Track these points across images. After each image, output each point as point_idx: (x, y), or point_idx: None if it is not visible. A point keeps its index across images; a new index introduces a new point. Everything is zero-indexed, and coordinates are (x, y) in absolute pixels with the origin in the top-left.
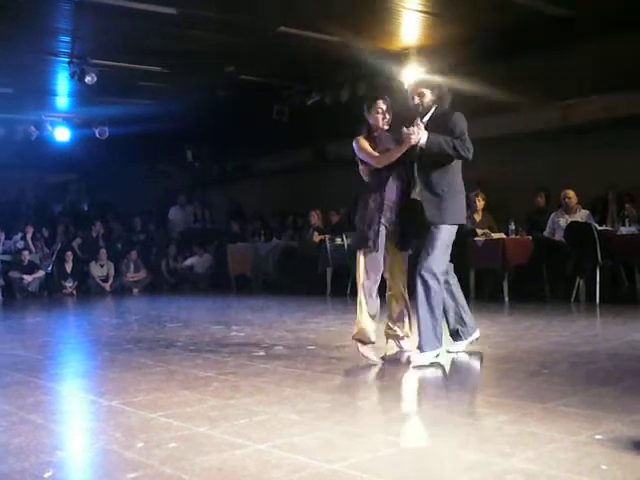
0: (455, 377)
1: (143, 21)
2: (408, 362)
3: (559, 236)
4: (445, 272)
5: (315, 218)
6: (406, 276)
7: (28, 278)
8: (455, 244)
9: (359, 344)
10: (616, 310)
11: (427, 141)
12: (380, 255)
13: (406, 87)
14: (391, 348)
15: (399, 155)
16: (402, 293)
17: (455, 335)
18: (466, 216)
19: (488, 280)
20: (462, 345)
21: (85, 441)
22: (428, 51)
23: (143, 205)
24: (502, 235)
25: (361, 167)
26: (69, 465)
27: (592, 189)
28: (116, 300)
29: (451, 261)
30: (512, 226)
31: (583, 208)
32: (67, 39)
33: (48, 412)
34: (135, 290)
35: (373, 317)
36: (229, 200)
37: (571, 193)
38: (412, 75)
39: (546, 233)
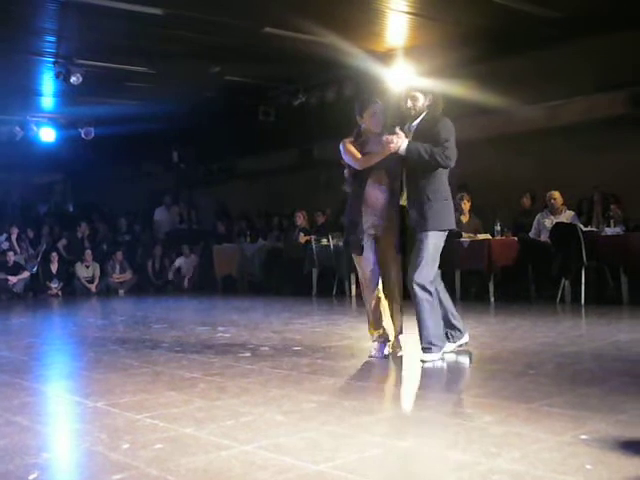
0: (441, 378)
1: (129, 21)
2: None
3: (544, 237)
4: (433, 280)
5: (301, 219)
6: (400, 277)
7: (13, 279)
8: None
9: (379, 344)
10: (601, 311)
11: (406, 149)
12: (368, 254)
13: (400, 89)
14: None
15: (378, 160)
16: (394, 294)
17: (428, 345)
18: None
19: (474, 281)
20: (450, 347)
21: (71, 443)
22: (415, 52)
23: (129, 206)
24: (488, 236)
25: (346, 171)
26: (54, 467)
27: (578, 190)
28: (102, 301)
29: (440, 261)
30: (498, 227)
31: (569, 209)
32: (52, 39)
33: (33, 414)
34: (121, 291)
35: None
36: (215, 201)
37: (556, 194)
38: (399, 76)
39: (531, 234)
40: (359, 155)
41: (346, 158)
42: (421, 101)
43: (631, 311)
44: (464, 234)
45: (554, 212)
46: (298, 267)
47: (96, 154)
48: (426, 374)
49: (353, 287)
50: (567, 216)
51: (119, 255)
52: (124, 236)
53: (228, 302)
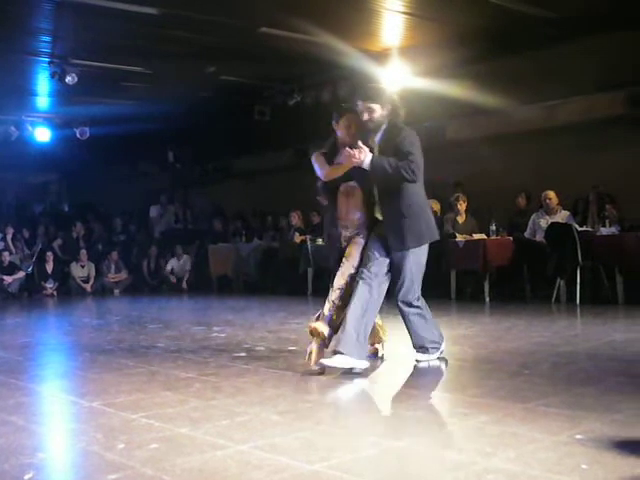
0: (437, 378)
1: (124, 21)
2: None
3: (540, 237)
4: (419, 296)
5: (296, 219)
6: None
7: (8, 279)
8: (436, 245)
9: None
10: (596, 310)
11: (370, 165)
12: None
13: (355, 104)
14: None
15: (341, 173)
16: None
17: (422, 349)
18: (450, 219)
19: (469, 281)
20: (429, 357)
21: (66, 442)
22: (410, 52)
23: (124, 206)
24: (483, 236)
25: (319, 182)
26: (50, 467)
27: (573, 190)
28: (97, 301)
29: (433, 264)
30: (493, 227)
31: (564, 209)
32: (48, 39)
33: (29, 413)
34: (116, 291)
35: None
36: (210, 201)
37: (551, 194)
38: (394, 76)
39: (527, 234)
40: (326, 165)
41: (315, 168)
42: (378, 112)
43: (626, 311)
44: (459, 235)
45: (549, 212)
46: (293, 267)
47: (91, 154)
48: (421, 374)
49: None
50: (562, 216)
51: (114, 255)
52: (119, 236)
53: (223, 302)
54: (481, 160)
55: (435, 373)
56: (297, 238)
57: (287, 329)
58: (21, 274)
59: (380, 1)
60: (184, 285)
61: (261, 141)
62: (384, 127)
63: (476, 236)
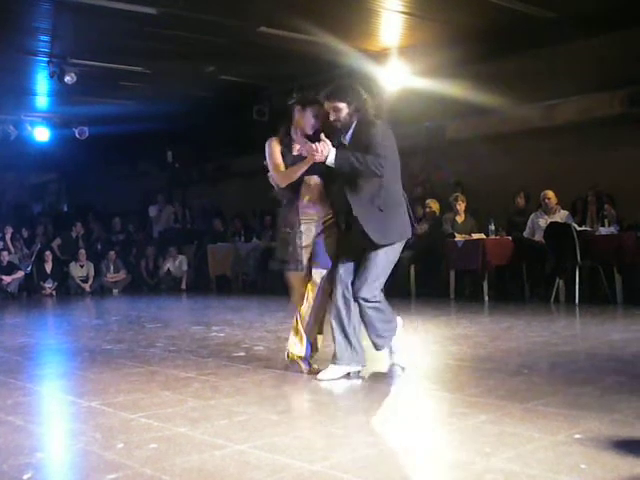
0: (435, 378)
1: (123, 21)
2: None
3: (539, 236)
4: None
5: None
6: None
7: (7, 279)
8: (435, 245)
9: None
10: (595, 310)
11: (335, 159)
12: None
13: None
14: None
15: (300, 173)
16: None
17: (380, 338)
18: (449, 219)
19: (468, 280)
20: (390, 342)
21: (65, 442)
22: (409, 52)
23: (123, 205)
24: (482, 236)
25: (270, 174)
26: (48, 466)
27: (572, 190)
28: (96, 301)
29: (431, 261)
30: (492, 226)
31: (563, 209)
32: (46, 38)
33: (27, 413)
34: (115, 291)
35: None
36: (209, 201)
37: (550, 194)
38: (393, 76)
39: (526, 234)
40: (282, 168)
41: (268, 162)
42: (345, 111)
43: (625, 310)
44: (458, 234)
45: (548, 212)
46: None
47: (90, 154)
48: (420, 374)
49: None
50: (561, 216)
51: (113, 255)
52: (118, 236)
53: (222, 301)
54: (480, 160)
55: (434, 373)
56: None
57: (286, 329)
58: (20, 274)
59: (379, 1)
60: (183, 285)
61: (260, 141)
62: (354, 125)
63: (475, 236)
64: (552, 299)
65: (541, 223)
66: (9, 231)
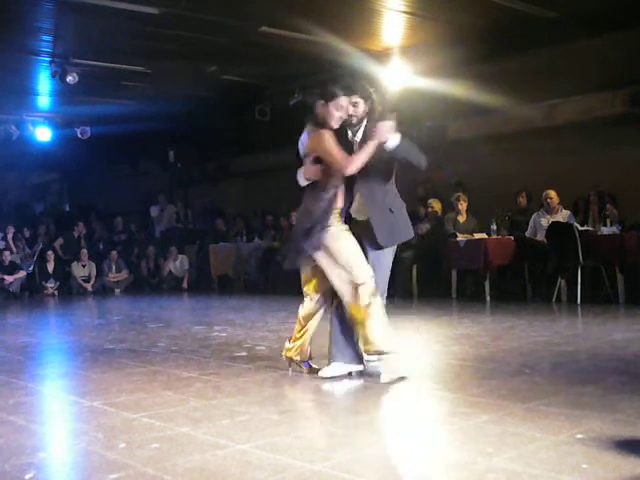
0: (437, 377)
1: (125, 21)
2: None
3: (541, 236)
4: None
5: None
6: None
7: (9, 278)
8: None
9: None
10: (597, 310)
11: (398, 144)
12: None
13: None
14: None
15: (368, 157)
16: None
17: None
18: (451, 218)
19: (470, 280)
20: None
21: (67, 442)
22: (411, 52)
23: (125, 205)
24: (484, 235)
25: (312, 167)
26: (51, 466)
27: (574, 189)
28: (98, 300)
29: (433, 261)
30: (494, 226)
31: (565, 208)
32: (48, 38)
33: (29, 413)
34: (117, 290)
35: None
36: (210, 201)
37: (552, 193)
38: (395, 76)
39: (528, 233)
40: (345, 154)
41: (322, 153)
42: (362, 107)
43: (627, 310)
44: (460, 234)
45: (550, 211)
46: None
47: (92, 154)
48: (421, 374)
49: None
50: (563, 215)
51: (114, 254)
52: (120, 235)
53: (224, 301)
54: (482, 160)
55: (435, 373)
56: None
57: (288, 329)
58: (22, 274)
59: (381, 0)
60: (184, 285)
61: (262, 141)
62: (364, 124)
63: (477, 235)
64: (554, 299)
65: (543, 223)
66: (11, 231)
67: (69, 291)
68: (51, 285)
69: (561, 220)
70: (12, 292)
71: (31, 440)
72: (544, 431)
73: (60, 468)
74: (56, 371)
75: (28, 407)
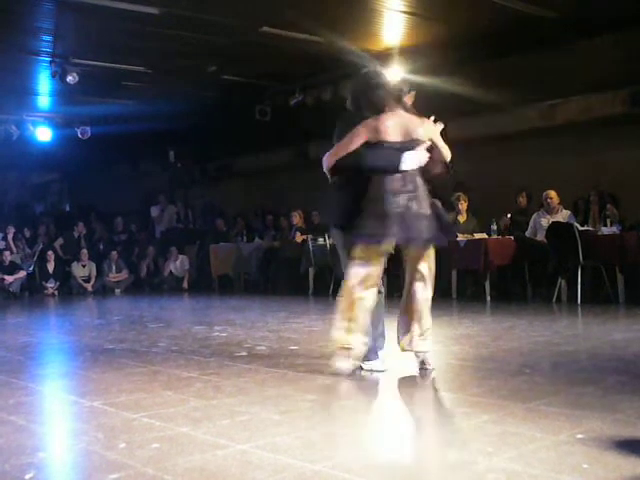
0: (438, 377)
1: (125, 21)
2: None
3: (541, 236)
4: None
5: (297, 218)
6: None
7: (9, 278)
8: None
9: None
10: (597, 310)
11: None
12: None
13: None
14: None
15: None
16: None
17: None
18: (451, 218)
19: (470, 280)
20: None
21: (67, 442)
22: (411, 52)
23: (125, 205)
24: (484, 235)
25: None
26: (50, 466)
27: (574, 189)
28: (98, 300)
29: (437, 261)
30: (494, 226)
31: (565, 208)
32: (48, 38)
33: (29, 413)
34: (117, 290)
35: None
36: (209, 201)
37: (553, 193)
38: (395, 76)
39: (528, 233)
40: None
41: (440, 141)
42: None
43: (627, 310)
44: (460, 234)
45: (550, 211)
46: (295, 266)
47: (92, 154)
48: (422, 374)
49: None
50: (563, 215)
51: (114, 254)
52: (120, 235)
53: (224, 301)
54: (482, 159)
55: (437, 373)
56: (298, 238)
57: (288, 329)
58: (22, 274)
59: (381, 0)
60: (185, 285)
61: (262, 141)
62: None
63: (477, 236)
64: (554, 299)
65: (543, 223)
66: (11, 231)
67: (69, 291)
68: (51, 285)
69: (561, 220)
70: (12, 292)
71: (31, 440)
72: (544, 431)
73: (60, 468)
74: (56, 371)
75: (28, 407)
